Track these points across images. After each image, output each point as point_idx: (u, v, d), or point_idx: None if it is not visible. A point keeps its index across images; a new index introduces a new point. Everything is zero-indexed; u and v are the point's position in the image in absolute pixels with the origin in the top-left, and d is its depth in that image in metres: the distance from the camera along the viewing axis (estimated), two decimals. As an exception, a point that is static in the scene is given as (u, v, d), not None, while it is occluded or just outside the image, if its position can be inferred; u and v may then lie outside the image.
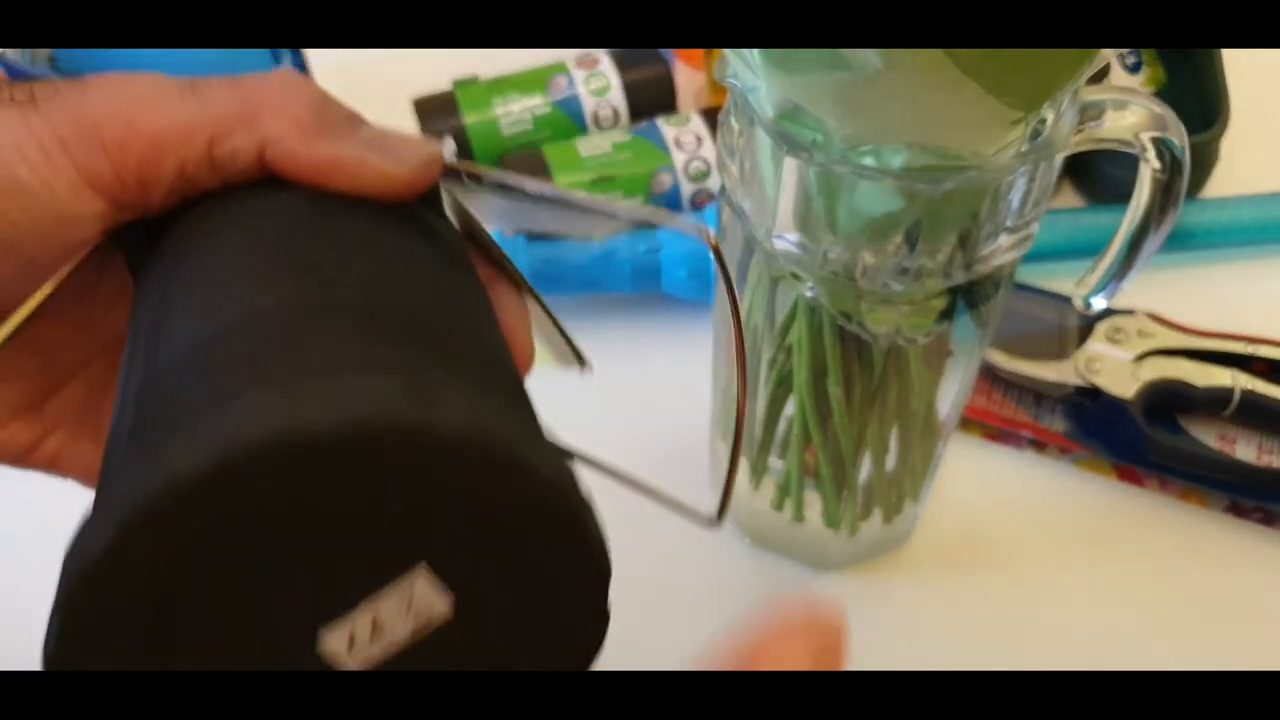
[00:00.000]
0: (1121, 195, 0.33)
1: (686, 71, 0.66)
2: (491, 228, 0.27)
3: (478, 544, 0.17)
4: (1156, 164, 0.31)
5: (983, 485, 0.48)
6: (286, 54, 0.51)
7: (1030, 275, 0.54)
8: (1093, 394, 0.49)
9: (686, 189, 0.55)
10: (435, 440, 0.15)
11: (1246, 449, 0.49)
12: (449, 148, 0.21)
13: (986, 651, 0.44)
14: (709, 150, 0.55)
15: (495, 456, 0.16)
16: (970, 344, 0.36)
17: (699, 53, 0.66)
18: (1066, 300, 0.51)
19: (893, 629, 0.45)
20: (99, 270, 0.27)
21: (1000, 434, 0.50)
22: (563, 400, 0.52)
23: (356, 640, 0.17)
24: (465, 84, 0.60)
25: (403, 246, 0.22)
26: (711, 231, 0.22)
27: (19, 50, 0.49)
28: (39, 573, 0.49)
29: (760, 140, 0.29)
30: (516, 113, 0.58)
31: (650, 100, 0.60)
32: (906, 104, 0.26)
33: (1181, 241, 0.55)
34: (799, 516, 0.43)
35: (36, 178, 0.23)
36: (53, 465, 0.29)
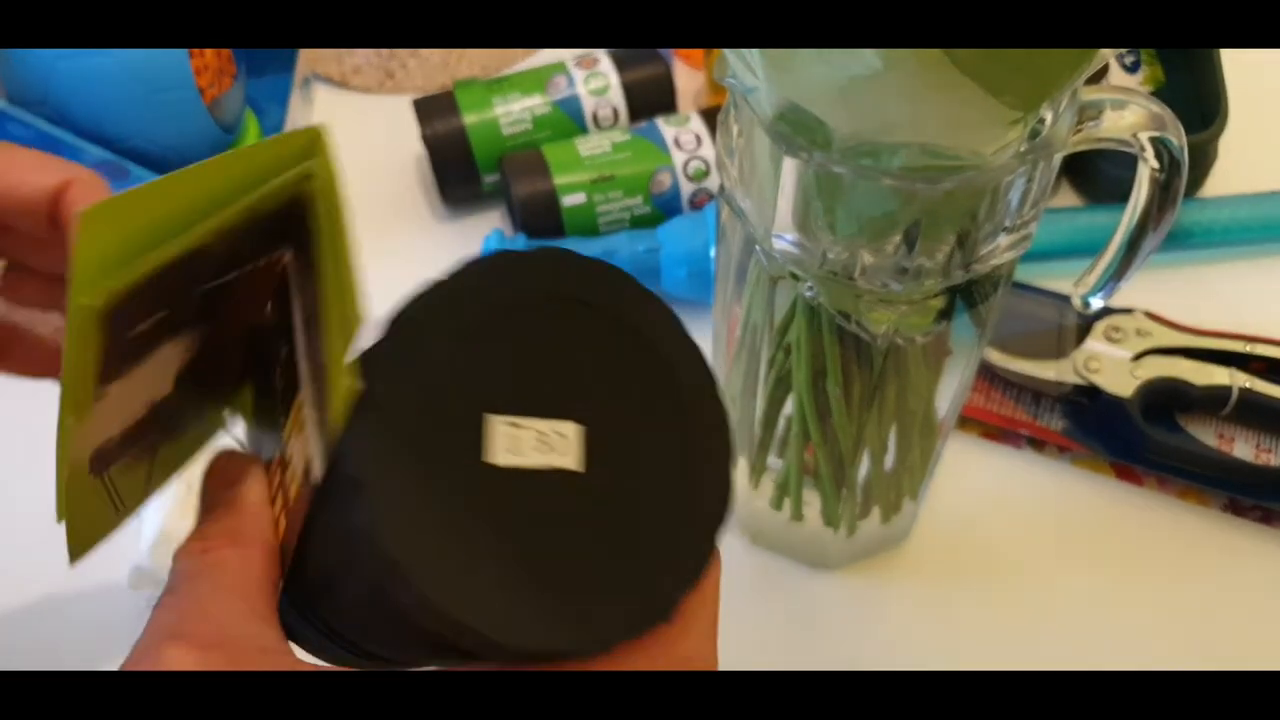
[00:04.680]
0: (1120, 194, 0.33)
1: (686, 71, 0.66)
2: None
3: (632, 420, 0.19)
4: (1155, 163, 0.31)
5: (981, 484, 0.49)
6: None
7: (1029, 274, 0.54)
8: (1091, 393, 0.49)
9: (686, 188, 0.55)
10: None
11: (1244, 447, 0.49)
12: None
13: (985, 650, 0.44)
14: (708, 150, 0.55)
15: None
16: (969, 343, 0.36)
17: (699, 53, 0.66)
18: (1065, 299, 0.51)
19: (891, 627, 0.45)
20: None
21: (999, 433, 0.50)
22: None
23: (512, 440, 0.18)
24: (465, 84, 0.60)
25: None
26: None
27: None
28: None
29: (759, 140, 0.29)
30: (516, 112, 0.58)
31: (650, 100, 0.60)
32: (905, 104, 0.26)
33: (1180, 240, 0.55)
34: (798, 515, 0.43)
35: None
36: None
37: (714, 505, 0.20)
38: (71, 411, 0.19)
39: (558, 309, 0.20)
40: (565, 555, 0.18)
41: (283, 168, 0.20)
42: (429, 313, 0.19)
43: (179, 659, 0.19)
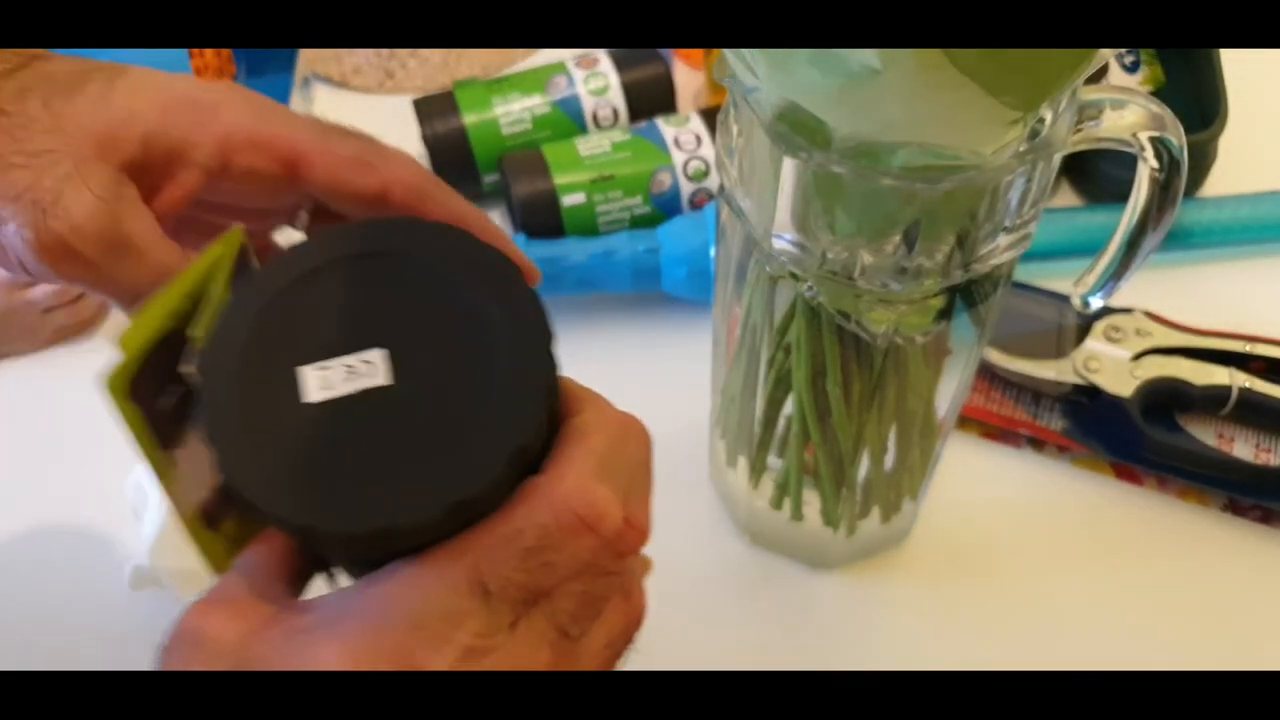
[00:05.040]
0: (1120, 194, 0.33)
1: (686, 71, 0.66)
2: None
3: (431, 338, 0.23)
4: (1154, 163, 0.31)
5: (981, 484, 0.49)
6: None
7: (1028, 274, 0.54)
8: (1091, 393, 0.49)
9: (685, 188, 0.55)
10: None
11: (1244, 447, 0.49)
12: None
13: (984, 650, 0.44)
14: (708, 150, 0.55)
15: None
16: (969, 343, 0.36)
17: (698, 53, 0.66)
18: (1065, 299, 0.51)
19: (891, 627, 0.45)
20: None
21: (999, 433, 0.50)
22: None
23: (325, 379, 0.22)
24: (465, 84, 0.60)
25: None
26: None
27: None
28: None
29: (759, 140, 0.29)
30: (516, 112, 0.58)
31: (649, 100, 0.60)
32: (905, 104, 0.26)
33: (1179, 240, 0.55)
34: (798, 515, 0.43)
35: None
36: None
37: (537, 377, 0.22)
38: (155, 470, 0.24)
39: (363, 265, 0.24)
40: (383, 448, 0.22)
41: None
42: (246, 299, 0.24)
43: (186, 619, 0.23)
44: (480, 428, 0.21)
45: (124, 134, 0.26)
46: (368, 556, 0.22)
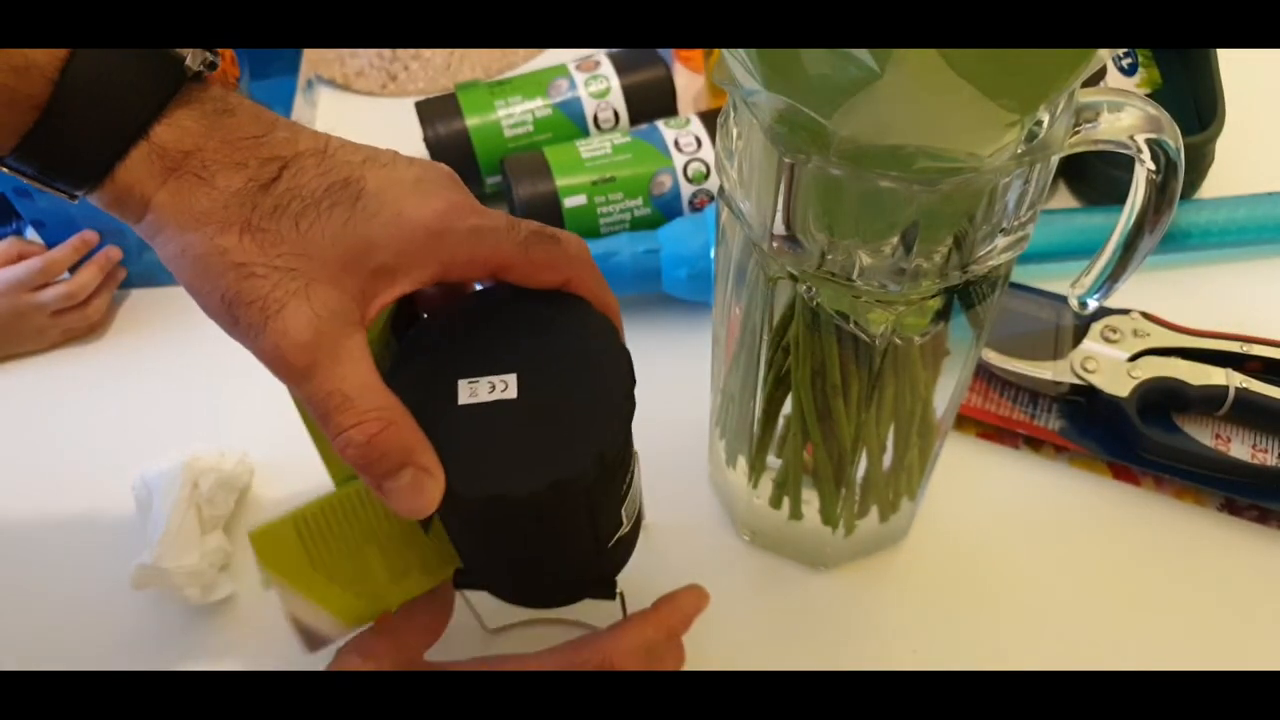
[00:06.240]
0: (1117, 196, 0.33)
1: (686, 74, 0.66)
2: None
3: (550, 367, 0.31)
4: (1152, 165, 0.31)
5: (979, 484, 0.49)
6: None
7: (1026, 275, 0.54)
8: (1088, 393, 0.49)
9: (686, 190, 0.55)
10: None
11: (1241, 447, 0.49)
12: None
13: (982, 649, 0.44)
14: (708, 152, 0.55)
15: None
16: (967, 344, 0.36)
17: (698, 56, 0.66)
18: (1062, 300, 0.52)
19: (888, 626, 0.45)
20: None
21: (996, 433, 0.50)
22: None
23: (473, 392, 0.30)
24: (467, 86, 0.60)
25: None
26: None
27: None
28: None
29: (758, 143, 0.30)
30: (518, 115, 0.59)
31: (650, 103, 0.60)
32: (903, 107, 0.26)
33: (1177, 241, 0.56)
34: (796, 514, 0.43)
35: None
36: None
37: (620, 408, 0.30)
38: (317, 444, 0.33)
39: (510, 314, 0.32)
40: (508, 441, 0.29)
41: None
42: (425, 329, 0.33)
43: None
44: (576, 435, 0.29)
45: (360, 264, 0.29)
46: (481, 520, 0.31)
